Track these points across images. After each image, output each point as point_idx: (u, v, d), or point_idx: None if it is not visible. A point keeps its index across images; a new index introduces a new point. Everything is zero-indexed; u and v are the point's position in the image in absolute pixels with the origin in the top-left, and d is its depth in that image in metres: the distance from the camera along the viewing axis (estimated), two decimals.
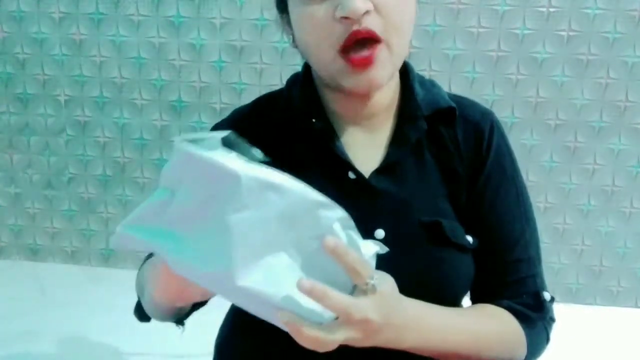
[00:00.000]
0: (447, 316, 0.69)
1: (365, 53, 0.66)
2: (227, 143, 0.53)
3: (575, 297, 2.19)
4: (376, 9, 0.66)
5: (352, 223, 0.58)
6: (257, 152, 0.55)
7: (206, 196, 0.52)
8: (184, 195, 0.53)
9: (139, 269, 0.79)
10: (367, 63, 0.67)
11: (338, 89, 0.74)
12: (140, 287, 0.78)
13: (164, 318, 0.77)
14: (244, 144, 0.54)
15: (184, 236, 0.53)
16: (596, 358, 1.83)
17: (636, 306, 2.19)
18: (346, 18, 0.65)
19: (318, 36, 0.67)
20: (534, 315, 0.76)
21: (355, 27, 0.65)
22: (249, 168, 0.51)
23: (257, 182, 0.51)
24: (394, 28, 0.68)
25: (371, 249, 0.60)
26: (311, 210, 0.54)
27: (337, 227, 0.56)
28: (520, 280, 0.77)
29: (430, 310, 0.68)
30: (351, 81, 0.69)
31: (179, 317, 0.77)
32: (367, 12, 0.65)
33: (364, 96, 0.75)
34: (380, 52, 0.67)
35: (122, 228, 0.55)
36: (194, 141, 0.53)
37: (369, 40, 0.66)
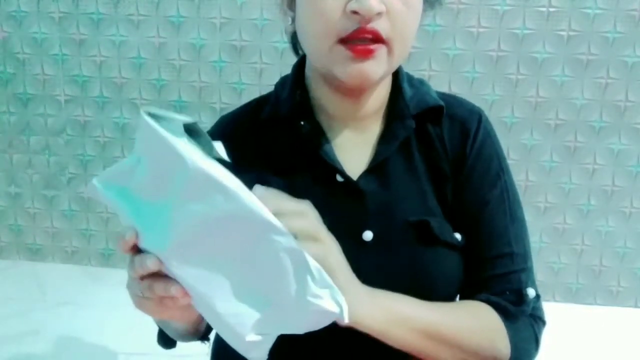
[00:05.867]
0: (404, 299, 0.67)
1: (367, 45, 0.67)
2: (189, 131, 0.52)
3: (575, 297, 2.19)
4: (387, 12, 0.66)
5: (303, 256, 0.53)
6: (219, 148, 0.53)
7: (160, 174, 0.51)
8: (144, 166, 0.52)
9: None
10: (367, 53, 0.67)
11: (331, 85, 0.74)
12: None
13: (189, 339, 0.77)
14: (206, 137, 0.53)
15: (142, 204, 0.53)
16: (596, 358, 1.83)
17: (636, 306, 2.20)
18: (357, 13, 0.65)
19: (322, 23, 0.67)
20: (513, 309, 0.74)
21: (362, 25, 0.65)
22: (201, 161, 0.50)
23: (205, 177, 0.50)
24: (399, 34, 0.68)
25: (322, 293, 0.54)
26: (259, 228, 0.51)
27: (284, 257, 0.52)
28: (502, 276, 0.75)
29: (386, 292, 0.66)
30: (346, 70, 0.68)
31: (203, 334, 0.78)
32: (378, 14, 0.65)
33: (357, 94, 0.75)
34: (380, 50, 0.68)
35: (96, 181, 0.55)
36: (159, 117, 0.51)
37: (373, 39, 0.67)
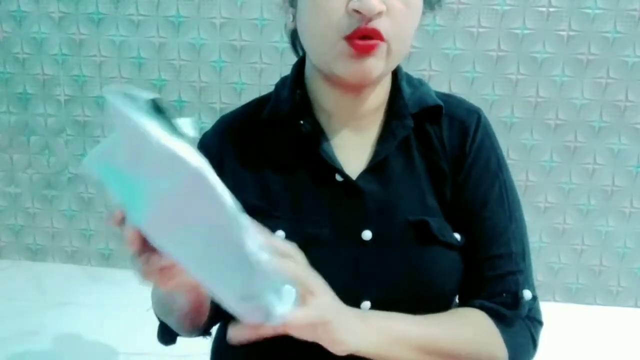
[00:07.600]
0: (397, 317, 0.67)
1: (368, 41, 0.67)
2: (155, 107, 0.52)
3: (575, 297, 2.19)
4: (388, 11, 0.67)
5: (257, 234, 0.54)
6: (184, 124, 0.53)
7: (133, 151, 0.52)
8: (119, 144, 0.53)
9: (152, 290, 0.77)
10: (369, 49, 0.67)
11: (332, 83, 0.75)
12: (159, 306, 0.78)
13: (191, 332, 0.78)
14: (171, 113, 0.53)
15: (125, 180, 0.54)
16: (596, 358, 1.83)
17: (636, 306, 2.20)
18: (358, 12, 0.66)
19: (324, 21, 0.68)
20: (509, 313, 0.74)
21: (363, 24, 0.66)
22: (164, 138, 0.50)
23: (167, 154, 0.50)
24: (399, 34, 0.69)
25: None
26: (224, 210, 0.51)
27: (251, 245, 0.53)
28: (500, 277, 0.75)
29: (377, 313, 0.67)
30: (346, 67, 0.69)
31: (205, 328, 0.79)
32: (379, 13, 0.66)
33: (356, 92, 0.75)
34: (380, 46, 0.68)
35: (87, 159, 0.56)
36: (125, 95, 0.51)
37: (373, 37, 0.67)
